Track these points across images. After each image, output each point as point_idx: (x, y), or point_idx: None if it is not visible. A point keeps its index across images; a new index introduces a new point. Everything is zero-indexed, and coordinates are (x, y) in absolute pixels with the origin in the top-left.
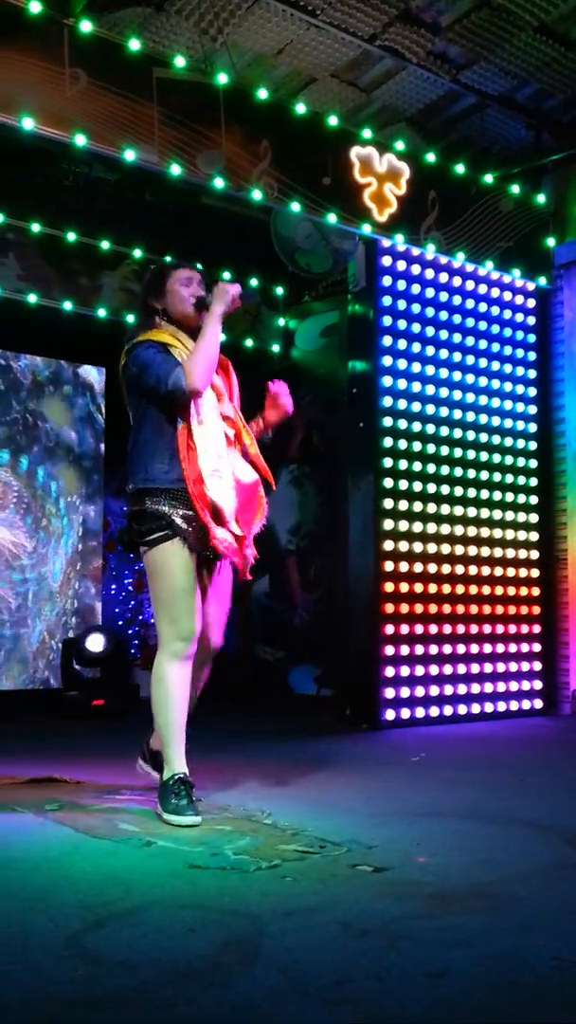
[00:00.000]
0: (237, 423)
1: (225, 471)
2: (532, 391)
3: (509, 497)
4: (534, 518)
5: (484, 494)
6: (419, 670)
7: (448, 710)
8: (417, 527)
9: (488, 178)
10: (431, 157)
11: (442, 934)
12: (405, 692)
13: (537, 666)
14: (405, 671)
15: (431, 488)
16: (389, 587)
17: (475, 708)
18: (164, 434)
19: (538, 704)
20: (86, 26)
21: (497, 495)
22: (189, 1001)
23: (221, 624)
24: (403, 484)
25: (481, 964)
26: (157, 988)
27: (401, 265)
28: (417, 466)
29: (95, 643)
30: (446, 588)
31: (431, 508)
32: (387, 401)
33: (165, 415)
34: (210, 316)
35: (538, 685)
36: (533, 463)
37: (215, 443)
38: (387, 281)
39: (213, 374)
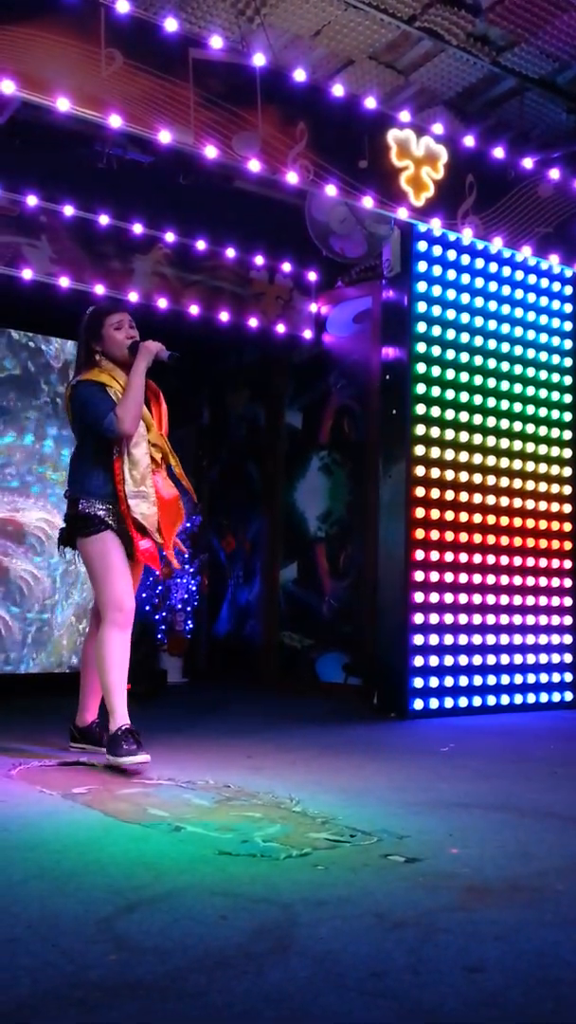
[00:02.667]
0: (164, 447)
1: (149, 491)
2: (568, 379)
3: (542, 487)
4: (567, 508)
5: (517, 483)
6: (448, 660)
7: (477, 701)
8: (449, 515)
9: (527, 162)
10: (469, 141)
11: (478, 928)
12: (434, 682)
13: (568, 658)
14: (434, 660)
15: (463, 476)
16: (419, 575)
17: (504, 699)
18: (100, 456)
19: (568, 696)
20: (122, 6)
21: (530, 484)
22: (222, 990)
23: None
24: (435, 472)
25: (519, 959)
26: (189, 975)
27: (437, 250)
28: (450, 454)
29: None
30: (476, 578)
31: (463, 496)
32: (420, 388)
33: (101, 442)
34: (134, 370)
35: (568, 677)
36: (568, 453)
37: (142, 468)
38: (422, 267)
39: (140, 417)
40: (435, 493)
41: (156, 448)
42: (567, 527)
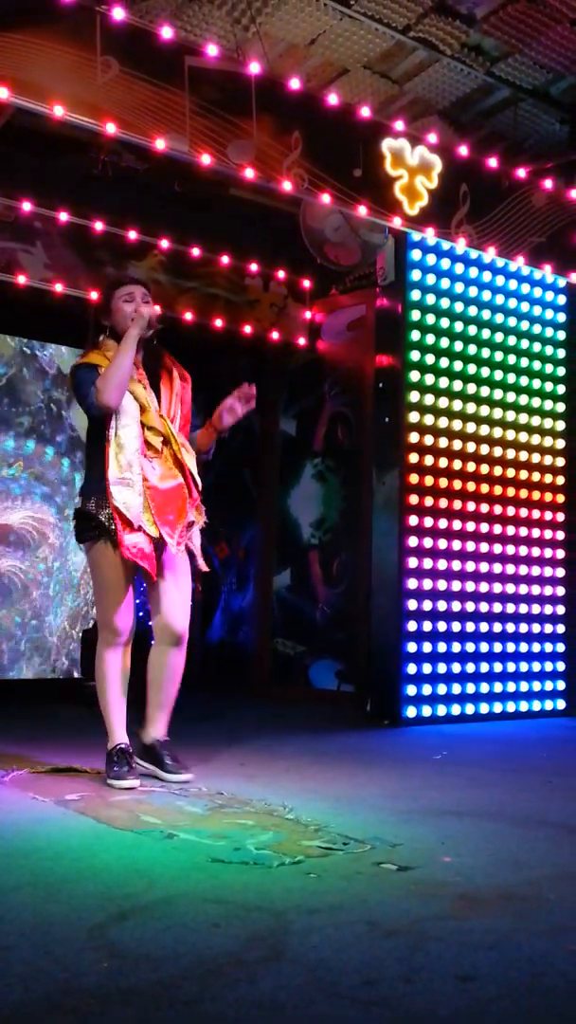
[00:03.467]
0: (165, 432)
1: (134, 477)
2: (561, 388)
3: (535, 495)
4: (560, 517)
5: (510, 491)
6: (441, 667)
7: (470, 708)
8: (442, 523)
9: (521, 172)
10: (463, 150)
11: (470, 936)
12: (427, 689)
13: (560, 666)
14: (427, 668)
15: (457, 484)
16: (412, 583)
17: (497, 707)
18: (97, 445)
19: (561, 704)
20: (118, 14)
21: (523, 493)
22: (214, 997)
23: (181, 608)
24: (429, 480)
25: (510, 968)
26: (181, 983)
27: (431, 259)
28: (443, 462)
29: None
30: (470, 585)
31: (456, 504)
32: (414, 396)
33: (98, 429)
34: (125, 338)
35: (561, 685)
36: (561, 462)
37: (129, 452)
38: (416, 275)
39: (124, 389)
40: (428, 501)
41: (153, 432)
42: (560, 535)
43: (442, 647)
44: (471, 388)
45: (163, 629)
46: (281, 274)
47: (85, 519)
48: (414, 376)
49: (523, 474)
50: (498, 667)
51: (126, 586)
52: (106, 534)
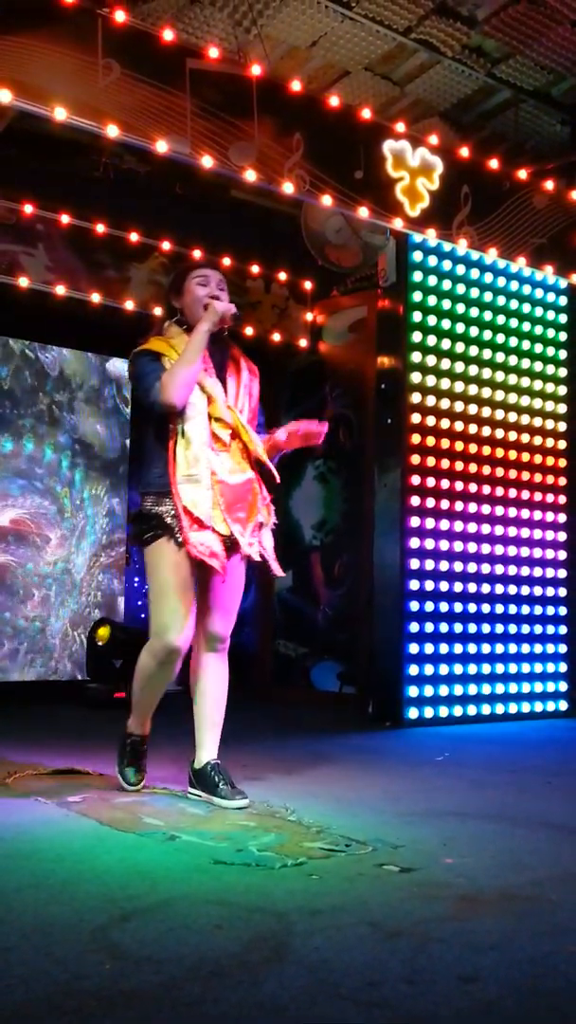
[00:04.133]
0: (234, 423)
1: (202, 473)
2: (563, 389)
3: (537, 497)
4: (562, 518)
5: (512, 493)
6: (443, 669)
7: (472, 710)
8: (444, 524)
9: (522, 174)
10: (465, 152)
11: (472, 938)
12: (429, 690)
13: (563, 667)
14: (429, 670)
15: (459, 486)
16: (414, 585)
17: (499, 708)
18: (160, 440)
19: (563, 705)
20: (120, 16)
21: (525, 494)
22: (217, 999)
23: (230, 613)
24: (430, 481)
25: (513, 969)
26: (184, 985)
27: (432, 260)
28: (445, 463)
29: (101, 635)
30: (472, 587)
31: (458, 506)
32: (416, 397)
33: (160, 422)
34: (195, 332)
35: (563, 686)
36: (562, 462)
37: (195, 447)
38: (418, 276)
39: (192, 387)
40: (430, 502)
41: (221, 424)
42: (561, 536)
43: (444, 648)
44: (472, 389)
45: (206, 633)
46: (282, 276)
47: (145, 520)
48: (415, 377)
49: (524, 475)
50: (500, 668)
51: (189, 592)
52: (167, 532)
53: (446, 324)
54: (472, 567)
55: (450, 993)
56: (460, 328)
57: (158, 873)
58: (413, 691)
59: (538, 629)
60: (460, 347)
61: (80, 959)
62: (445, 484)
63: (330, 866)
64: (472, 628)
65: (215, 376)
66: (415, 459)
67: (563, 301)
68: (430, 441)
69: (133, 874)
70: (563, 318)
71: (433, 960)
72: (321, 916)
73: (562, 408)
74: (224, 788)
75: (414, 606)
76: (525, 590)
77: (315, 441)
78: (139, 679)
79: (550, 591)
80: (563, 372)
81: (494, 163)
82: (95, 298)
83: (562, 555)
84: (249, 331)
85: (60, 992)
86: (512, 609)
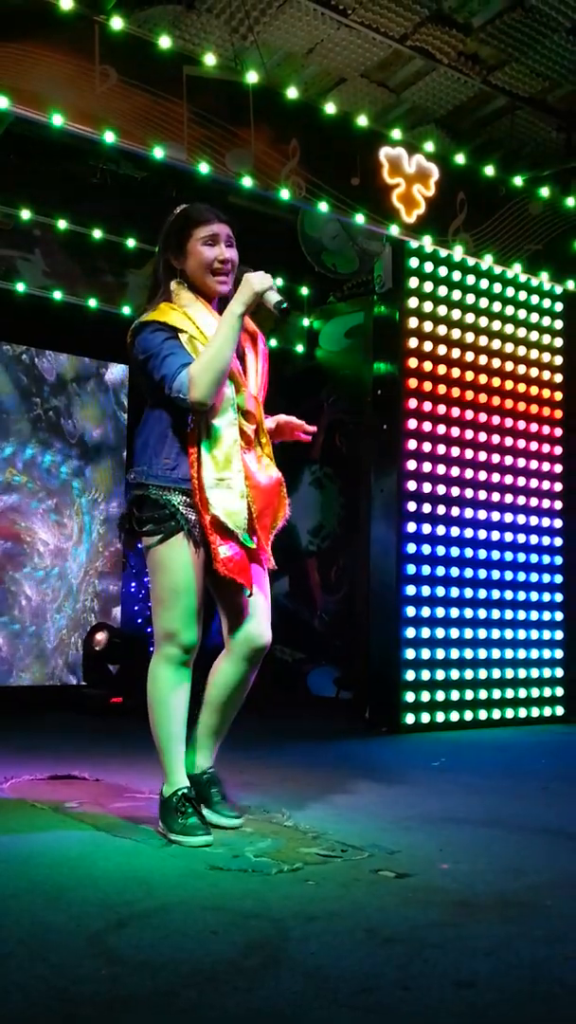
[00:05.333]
0: (258, 416)
1: (235, 477)
2: (558, 395)
3: (534, 502)
4: (558, 523)
5: (508, 498)
6: (440, 674)
7: (468, 715)
8: (440, 530)
9: (518, 180)
10: (460, 158)
11: (468, 943)
12: (425, 696)
13: (559, 672)
14: (426, 675)
15: (455, 491)
16: (411, 590)
17: (496, 714)
18: (169, 428)
19: (559, 711)
20: (117, 23)
21: (521, 499)
22: (213, 1005)
23: (267, 617)
24: (427, 487)
25: (508, 974)
26: (180, 990)
27: (428, 267)
28: (441, 469)
29: (99, 640)
30: (468, 592)
31: (455, 512)
32: (412, 403)
33: (172, 408)
34: (227, 316)
35: (560, 691)
36: (558, 467)
37: (225, 445)
38: (414, 283)
39: (224, 382)
40: (426, 507)
41: (247, 417)
42: (558, 541)
43: (440, 653)
44: (469, 395)
45: (245, 641)
46: (279, 281)
47: (153, 507)
48: (412, 383)
49: (520, 480)
50: (496, 673)
51: (199, 593)
52: (184, 528)
53: (442, 330)
54: (468, 572)
55: (445, 998)
56: (456, 334)
57: (154, 879)
58: (410, 696)
59: (534, 634)
60: (456, 353)
61: (77, 965)
62: (441, 489)
63: (326, 872)
64: (469, 633)
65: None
66: (411, 465)
67: (559, 307)
68: (426, 447)
69: (130, 880)
70: (559, 324)
71: (428, 965)
72: (317, 922)
73: (558, 413)
74: (219, 803)
75: (411, 611)
76: (521, 595)
77: (302, 436)
78: (162, 705)
79: (546, 596)
80: (559, 377)
81: (490, 169)
82: (92, 303)
83: (558, 560)
84: None
85: (57, 998)
86: (508, 614)
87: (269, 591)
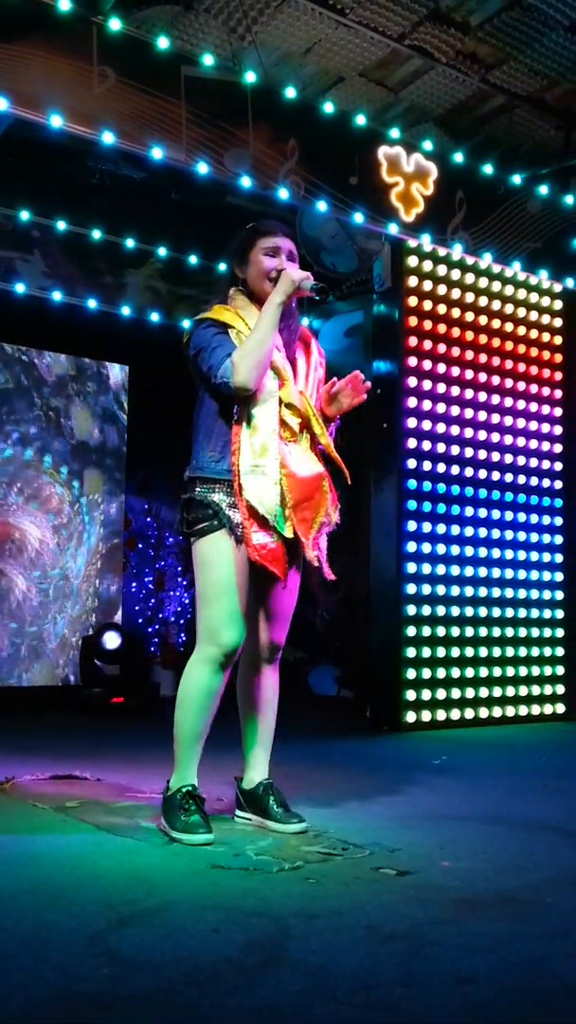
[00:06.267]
0: (304, 411)
1: (270, 464)
2: (558, 393)
3: (534, 500)
4: (558, 521)
5: (508, 496)
6: (440, 672)
7: (469, 713)
8: (440, 529)
9: (516, 179)
10: (459, 157)
11: (468, 940)
12: (426, 694)
13: (560, 670)
14: (426, 673)
15: (455, 490)
16: (411, 589)
17: (497, 712)
18: (218, 421)
19: (561, 708)
20: (115, 24)
21: (521, 497)
22: (214, 1003)
23: (286, 619)
24: (426, 485)
25: (508, 971)
26: (181, 989)
27: (427, 265)
28: (441, 468)
29: (111, 641)
30: (468, 590)
31: (454, 510)
32: (411, 402)
33: (220, 401)
34: (267, 305)
35: (561, 689)
36: (559, 466)
37: (264, 434)
38: (413, 281)
39: (266, 368)
40: (427, 506)
41: (292, 410)
42: (558, 539)
43: (441, 652)
44: (468, 393)
45: (262, 643)
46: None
47: (198, 507)
48: (411, 382)
49: (520, 478)
50: (497, 672)
51: (244, 592)
52: (225, 524)
53: (441, 328)
54: (469, 571)
55: (446, 995)
56: (455, 332)
57: (156, 878)
58: (411, 695)
59: (535, 632)
60: (456, 351)
61: (78, 964)
62: (441, 488)
63: (327, 870)
64: (469, 632)
65: (284, 355)
66: (411, 463)
67: (558, 305)
68: (426, 445)
69: (131, 879)
70: (558, 322)
71: (429, 963)
72: (318, 920)
73: (557, 411)
74: (279, 811)
75: (411, 610)
76: (522, 593)
77: (360, 395)
78: (191, 701)
79: (547, 594)
80: (558, 375)
81: (489, 168)
82: (92, 304)
83: (558, 558)
84: None
85: (58, 997)
86: (509, 612)
87: (295, 597)
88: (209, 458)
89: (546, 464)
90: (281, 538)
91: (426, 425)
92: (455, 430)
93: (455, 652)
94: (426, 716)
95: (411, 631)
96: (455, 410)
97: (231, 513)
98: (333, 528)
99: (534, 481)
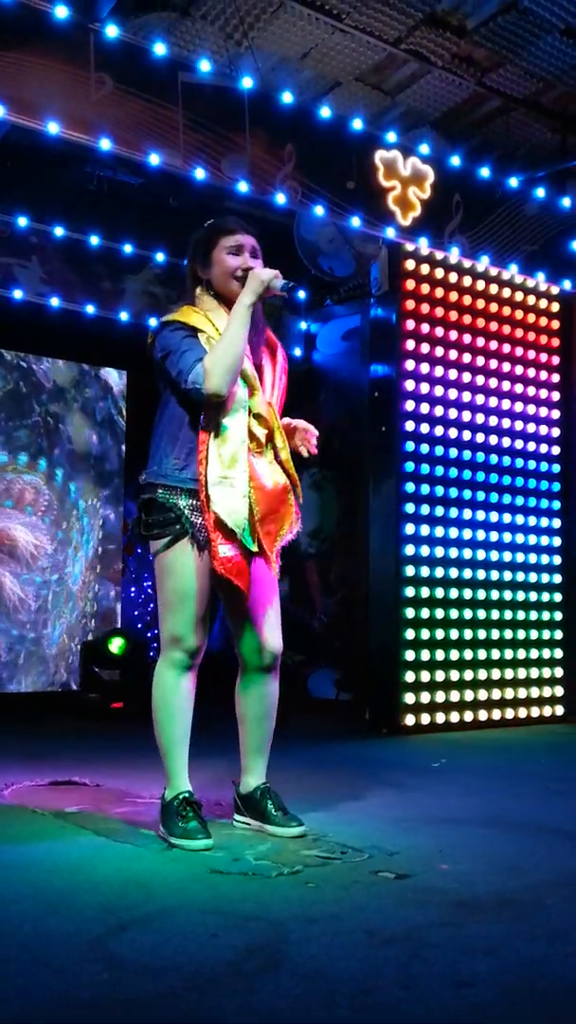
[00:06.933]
0: (270, 422)
1: (239, 476)
2: (555, 395)
3: (531, 501)
4: (556, 523)
5: (506, 498)
6: (439, 675)
7: (469, 716)
8: (439, 531)
9: (513, 181)
10: (456, 160)
11: (467, 943)
12: (425, 697)
13: (559, 672)
14: (425, 676)
15: (453, 492)
16: (410, 591)
17: (496, 714)
18: (182, 428)
19: (560, 710)
20: (112, 31)
21: (520, 500)
22: (213, 1007)
23: (276, 624)
24: (425, 488)
25: (507, 974)
26: (181, 993)
27: (424, 269)
28: (439, 470)
29: (116, 646)
30: (467, 593)
31: (453, 512)
32: (409, 405)
33: (187, 407)
34: (237, 307)
35: (560, 691)
36: (556, 468)
37: (231, 445)
38: (410, 285)
39: (238, 374)
40: (425, 509)
41: (259, 420)
42: (557, 541)
43: (440, 654)
44: (466, 396)
45: (256, 652)
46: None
47: (160, 510)
48: (409, 385)
49: (519, 481)
50: (496, 674)
51: (206, 597)
52: (188, 532)
53: (439, 332)
54: (467, 573)
55: (445, 998)
56: (453, 335)
57: (155, 883)
58: (410, 697)
59: (534, 634)
60: (453, 354)
61: (78, 969)
62: (439, 491)
63: (326, 874)
64: (468, 634)
65: (251, 361)
66: (409, 466)
67: (555, 307)
68: (424, 449)
69: (130, 884)
70: (555, 324)
71: (428, 965)
72: (317, 924)
73: (555, 414)
74: (277, 815)
75: (410, 613)
76: (521, 595)
77: (303, 448)
78: (164, 708)
79: (545, 596)
80: (556, 378)
81: (485, 171)
82: (90, 309)
83: (557, 560)
84: None
85: (58, 1002)
86: (508, 615)
87: (278, 599)
88: (172, 465)
89: (544, 466)
90: (244, 549)
91: (424, 428)
92: (453, 433)
93: (454, 655)
94: (425, 719)
95: (410, 634)
96: (453, 413)
97: (193, 516)
98: (293, 538)
99: (532, 483)
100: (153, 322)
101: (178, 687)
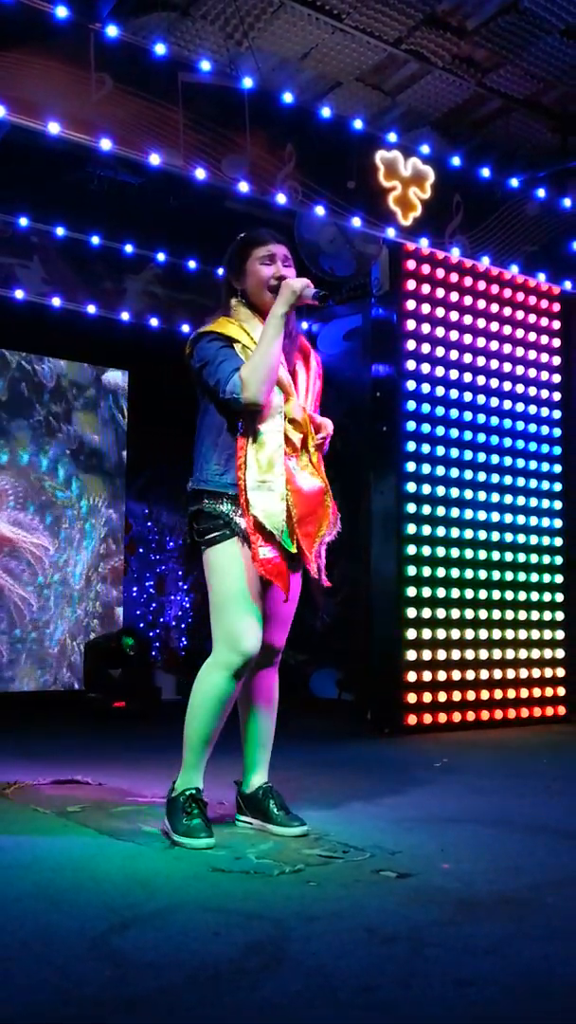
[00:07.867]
0: (304, 425)
1: (276, 480)
2: (557, 395)
3: (532, 502)
4: (558, 523)
5: (507, 499)
6: (441, 675)
7: (471, 715)
8: (440, 531)
9: (514, 182)
10: (456, 161)
11: (468, 942)
12: (427, 697)
13: (560, 672)
14: (427, 676)
15: (454, 492)
16: (411, 591)
17: (497, 714)
18: (222, 434)
19: (561, 710)
20: (112, 31)
21: (520, 500)
22: (215, 1004)
23: (285, 623)
24: (426, 488)
25: (508, 973)
26: (183, 991)
27: (425, 269)
28: (440, 470)
29: (128, 645)
30: (469, 592)
31: (454, 512)
32: (410, 405)
33: (225, 414)
34: (270, 318)
35: (561, 691)
36: (558, 468)
37: (268, 450)
38: (411, 285)
39: (274, 382)
40: (426, 509)
41: (295, 425)
42: (558, 541)
43: (442, 654)
44: (467, 397)
45: (262, 646)
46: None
47: (208, 519)
48: (410, 385)
49: (520, 481)
50: (498, 674)
51: (258, 596)
52: (237, 534)
53: (440, 332)
54: (469, 573)
55: (446, 997)
56: (454, 335)
57: (157, 881)
58: (411, 697)
59: (535, 634)
60: (454, 354)
61: (80, 967)
62: (440, 491)
63: (328, 873)
64: (470, 634)
65: (286, 367)
66: (410, 466)
67: (555, 308)
68: (425, 448)
69: (133, 882)
70: (556, 324)
71: (429, 964)
72: (318, 922)
73: (556, 414)
74: (279, 814)
75: (411, 613)
76: (522, 595)
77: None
78: (204, 707)
79: (547, 596)
80: (557, 378)
81: (486, 171)
82: (91, 309)
83: (558, 560)
84: None
85: (61, 1000)
86: (509, 614)
87: (296, 601)
88: (214, 471)
89: (545, 466)
90: (284, 551)
91: (425, 428)
92: (454, 433)
93: (456, 654)
94: (427, 719)
95: (411, 634)
96: (454, 413)
97: (240, 521)
98: (333, 538)
99: (533, 483)
100: (154, 322)
101: (223, 691)
